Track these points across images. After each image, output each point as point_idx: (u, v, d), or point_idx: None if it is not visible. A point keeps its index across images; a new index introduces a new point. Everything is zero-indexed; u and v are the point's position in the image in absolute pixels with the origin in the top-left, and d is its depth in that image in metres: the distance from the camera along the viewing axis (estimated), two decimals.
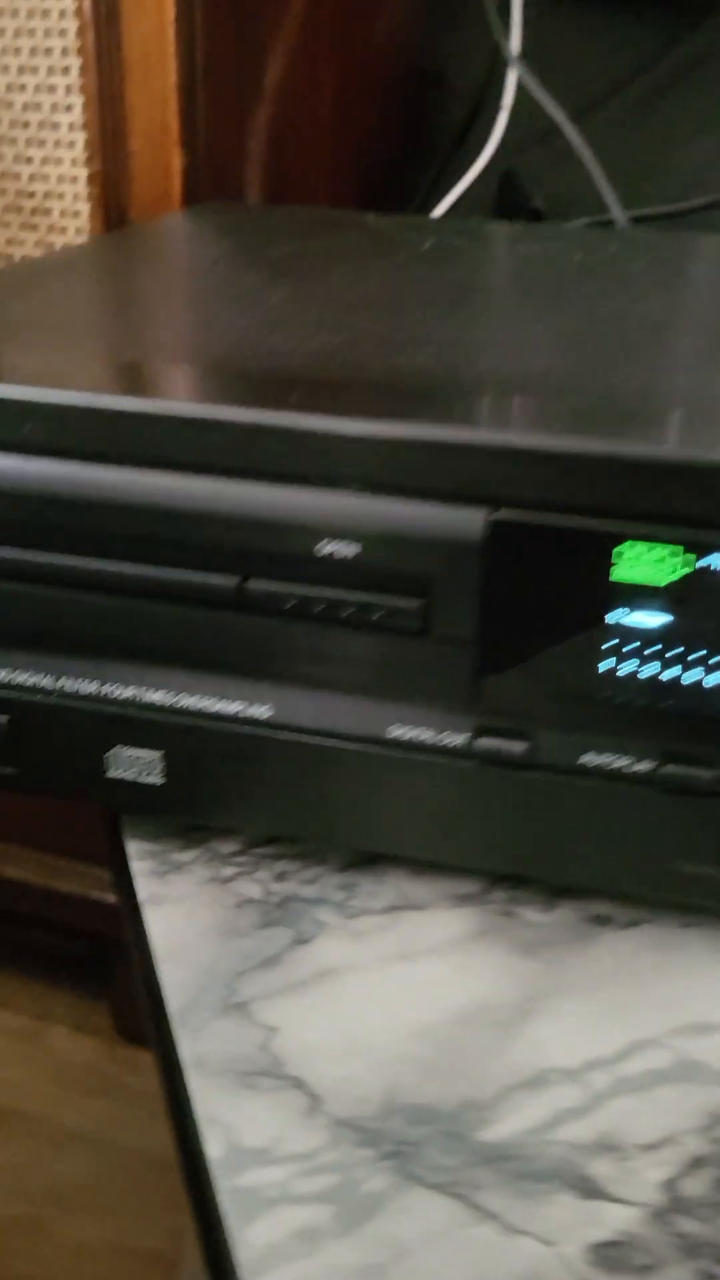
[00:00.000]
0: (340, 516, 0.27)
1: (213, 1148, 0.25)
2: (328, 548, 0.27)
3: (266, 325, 0.36)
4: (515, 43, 0.73)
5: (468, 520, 0.26)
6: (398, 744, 0.30)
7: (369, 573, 0.27)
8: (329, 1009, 0.29)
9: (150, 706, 0.31)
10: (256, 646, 0.29)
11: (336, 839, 0.31)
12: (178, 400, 0.28)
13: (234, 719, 0.30)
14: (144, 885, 0.32)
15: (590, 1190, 0.24)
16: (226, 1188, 0.24)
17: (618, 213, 0.68)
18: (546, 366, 0.32)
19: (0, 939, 0.98)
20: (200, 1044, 0.27)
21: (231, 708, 0.30)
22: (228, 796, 0.31)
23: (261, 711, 0.30)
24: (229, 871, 0.33)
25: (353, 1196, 0.24)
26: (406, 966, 0.30)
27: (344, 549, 0.27)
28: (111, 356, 0.33)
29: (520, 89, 0.79)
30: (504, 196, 0.78)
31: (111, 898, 0.86)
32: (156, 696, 0.31)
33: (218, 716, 0.31)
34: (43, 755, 0.32)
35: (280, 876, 0.33)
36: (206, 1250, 0.24)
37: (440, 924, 0.31)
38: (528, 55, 0.74)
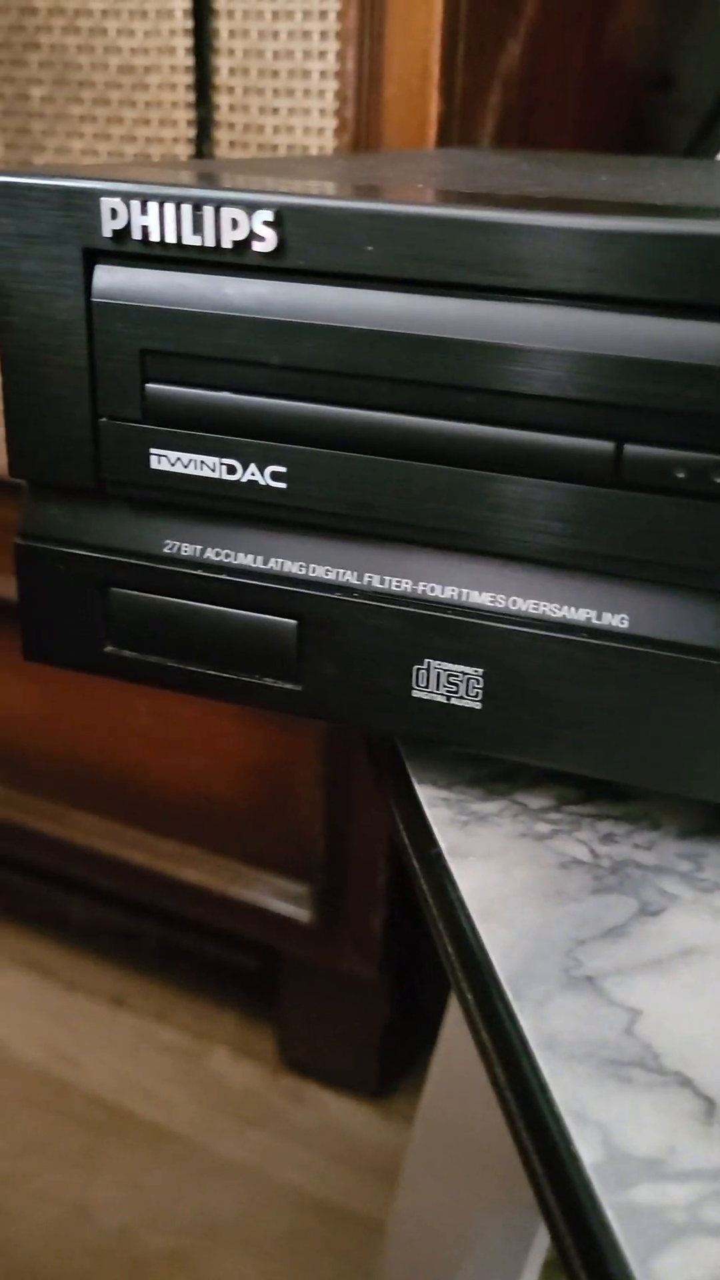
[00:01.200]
0: None
1: (588, 1150, 0.19)
2: None
3: (606, 185, 0.30)
4: None
5: None
6: None
7: None
8: (704, 994, 0.22)
9: (475, 610, 0.25)
10: (621, 535, 0.24)
11: (700, 790, 0.25)
12: (551, 214, 0.22)
13: (580, 629, 0.25)
14: (444, 834, 0.27)
15: None
16: (614, 1203, 0.18)
17: None
18: None
19: (167, 947, 0.94)
20: (546, 1021, 0.21)
21: (578, 615, 0.25)
22: (558, 729, 0.26)
23: (616, 621, 0.25)
24: (544, 828, 0.27)
25: None
26: None
27: None
28: (454, 193, 0.28)
29: None
30: None
31: (288, 908, 0.81)
32: (484, 599, 0.25)
33: (559, 625, 0.25)
34: (336, 669, 0.27)
35: (607, 839, 0.27)
36: (589, 1274, 0.18)
37: None
38: None
